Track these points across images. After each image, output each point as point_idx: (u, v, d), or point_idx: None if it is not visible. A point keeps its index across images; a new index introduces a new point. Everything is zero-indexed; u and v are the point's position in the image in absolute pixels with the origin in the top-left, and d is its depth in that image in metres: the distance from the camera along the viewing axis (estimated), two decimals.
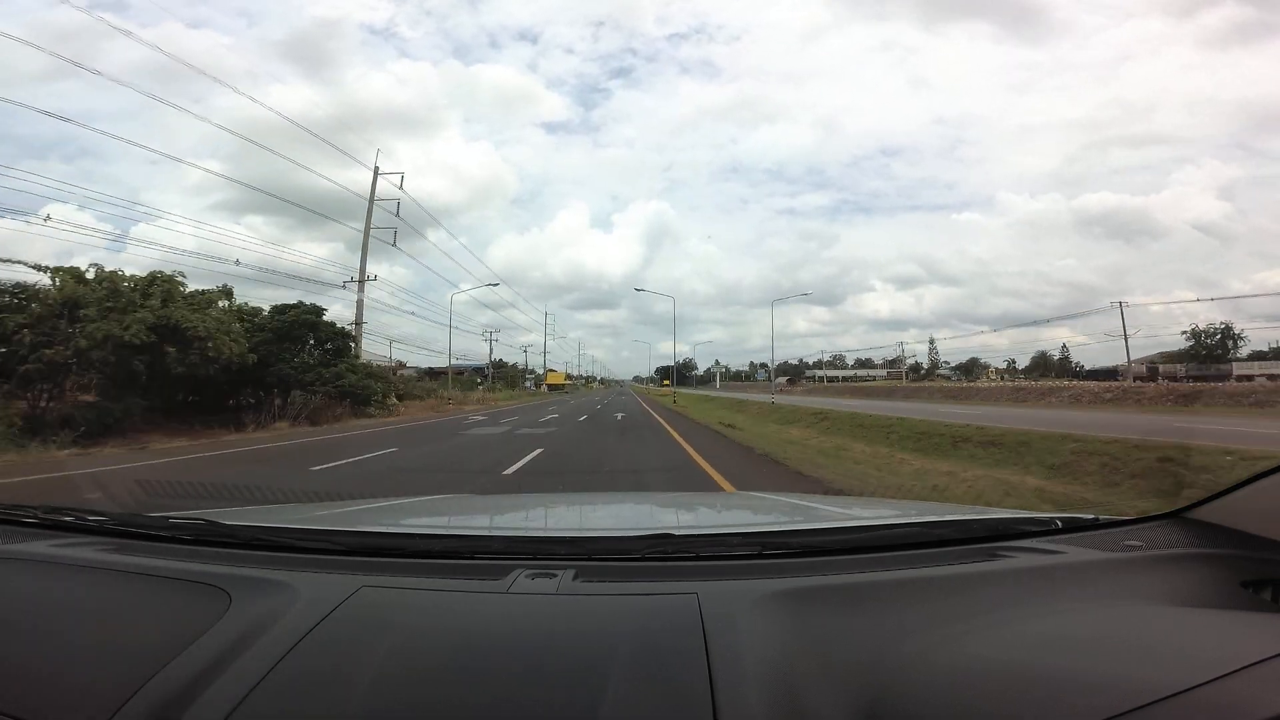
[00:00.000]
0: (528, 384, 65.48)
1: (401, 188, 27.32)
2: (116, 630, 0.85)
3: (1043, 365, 71.79)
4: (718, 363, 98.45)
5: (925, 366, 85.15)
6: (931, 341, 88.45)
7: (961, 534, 1.14)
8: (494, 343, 50.26)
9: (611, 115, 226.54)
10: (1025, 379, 57.95)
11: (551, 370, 76.35)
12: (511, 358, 65.86)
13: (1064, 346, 71.10)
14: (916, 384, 63.41)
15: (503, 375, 60.83)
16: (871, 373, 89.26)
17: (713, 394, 54.76)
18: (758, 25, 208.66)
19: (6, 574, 1.02)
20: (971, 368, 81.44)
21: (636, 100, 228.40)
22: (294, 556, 1.03)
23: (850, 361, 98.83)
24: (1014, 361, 77.18)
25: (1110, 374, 46.62)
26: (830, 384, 79.49)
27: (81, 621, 0.88)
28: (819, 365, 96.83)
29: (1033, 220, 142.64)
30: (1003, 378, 64.97)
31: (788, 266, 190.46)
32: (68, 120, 37.23)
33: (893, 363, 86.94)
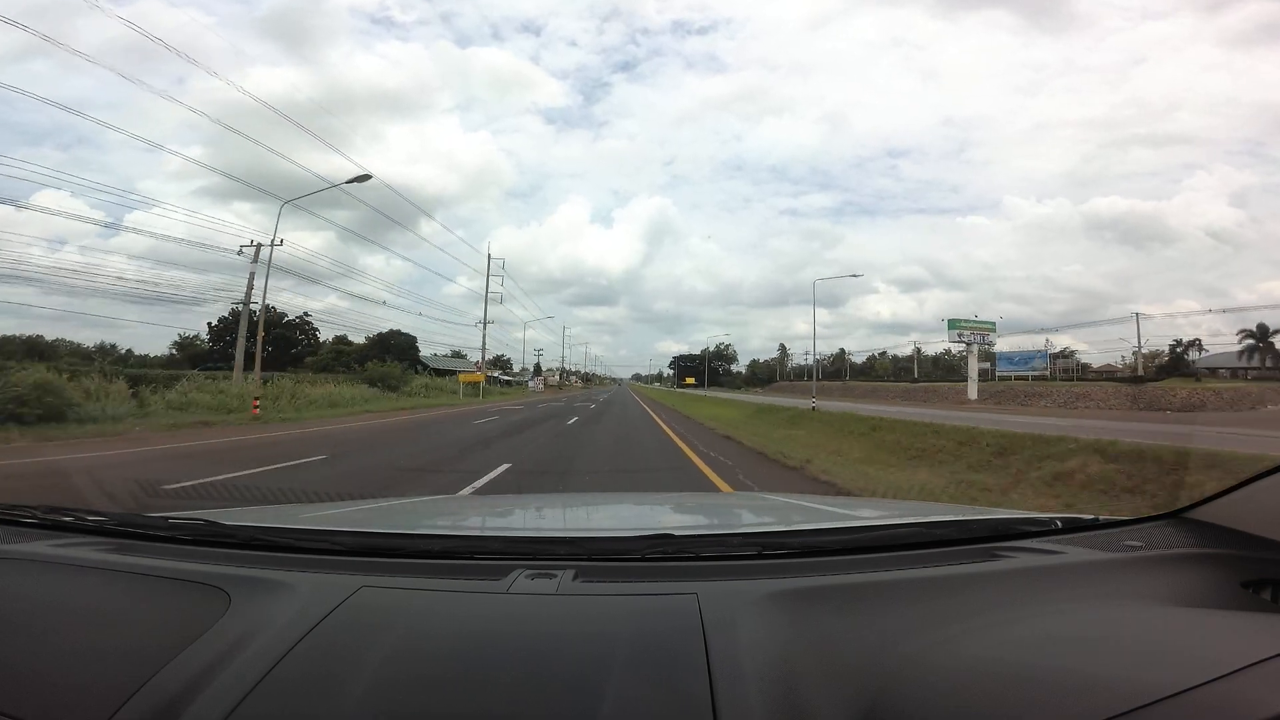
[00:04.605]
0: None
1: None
2: (116, 630, 0.85)
3: None
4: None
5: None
6: None
7: (961, 534, 1.14)
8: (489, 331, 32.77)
9: (614, 109, 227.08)
10: None
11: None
12: (507, 353, 60.42)
13: None
14: None
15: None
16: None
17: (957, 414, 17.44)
18: (762, 15, 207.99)
19: (6, 574, 1.02)
20: None
21: (639, 93, 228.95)
22: (294, 556, 1.03)
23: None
24: None
25: None
26: None
27: (81, 621, 0.88)
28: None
29: (1040, 224, 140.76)
30: None
31: (790, 267, 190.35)
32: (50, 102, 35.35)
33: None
